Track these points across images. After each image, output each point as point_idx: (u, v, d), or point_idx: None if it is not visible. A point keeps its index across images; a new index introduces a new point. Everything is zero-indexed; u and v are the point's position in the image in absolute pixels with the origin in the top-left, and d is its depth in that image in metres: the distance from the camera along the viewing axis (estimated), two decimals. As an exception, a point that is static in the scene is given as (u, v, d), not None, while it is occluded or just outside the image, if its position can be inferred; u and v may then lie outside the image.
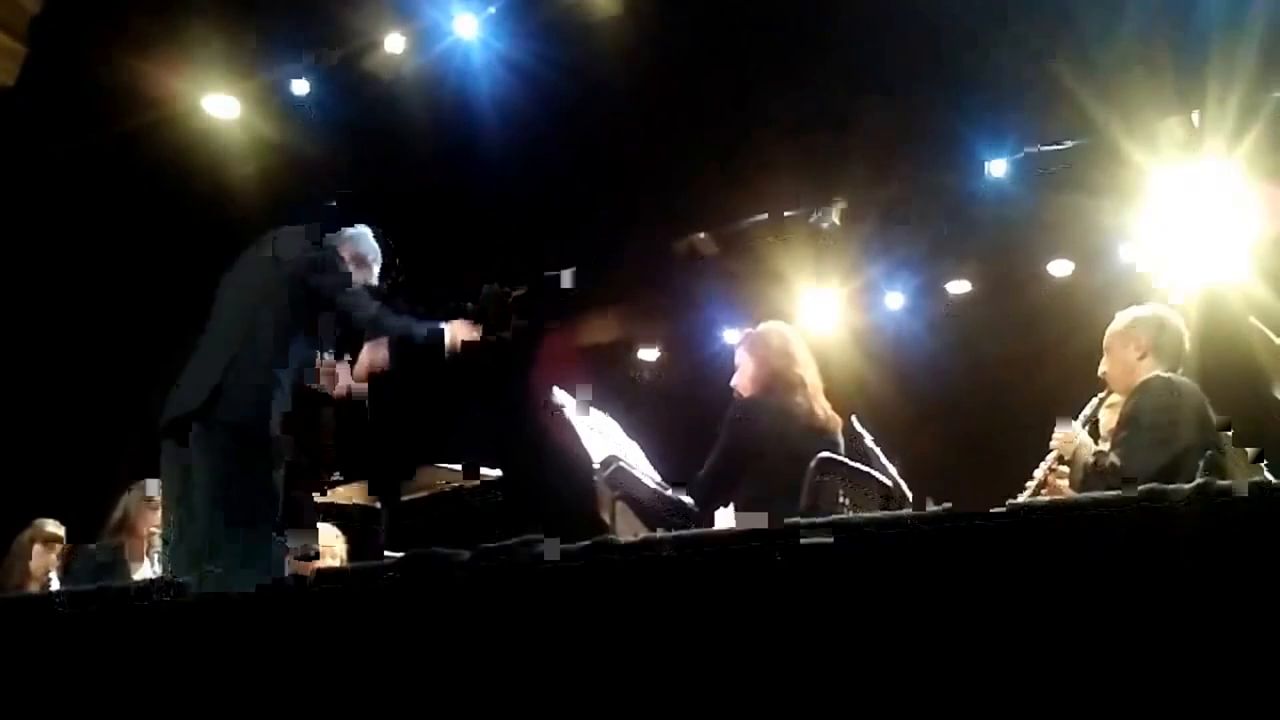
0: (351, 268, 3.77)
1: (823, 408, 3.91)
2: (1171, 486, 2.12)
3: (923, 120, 5.79)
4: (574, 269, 4.06)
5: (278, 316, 3.61)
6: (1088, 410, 3.70)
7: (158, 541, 4.42)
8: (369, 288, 3.79)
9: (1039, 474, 3.65)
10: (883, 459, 3.75)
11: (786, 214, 6.74)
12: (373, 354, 3.71)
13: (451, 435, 4.55)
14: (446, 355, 3.63)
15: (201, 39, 5.50)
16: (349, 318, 3.64)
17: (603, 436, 3.81)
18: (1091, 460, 3.44)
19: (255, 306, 3.63)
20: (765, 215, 6.79)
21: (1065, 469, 3.60)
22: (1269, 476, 3.24)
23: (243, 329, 3.59)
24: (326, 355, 3.78)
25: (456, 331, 3.65)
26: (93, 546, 4.63)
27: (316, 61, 5.74)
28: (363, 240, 3.89)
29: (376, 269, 3.91)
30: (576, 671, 2.16)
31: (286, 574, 3.18)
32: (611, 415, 3.97)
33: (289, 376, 3.60)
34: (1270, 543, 2.00)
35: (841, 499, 3.49)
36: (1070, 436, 3.59)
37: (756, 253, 6.87)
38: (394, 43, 5.67)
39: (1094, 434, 3.75)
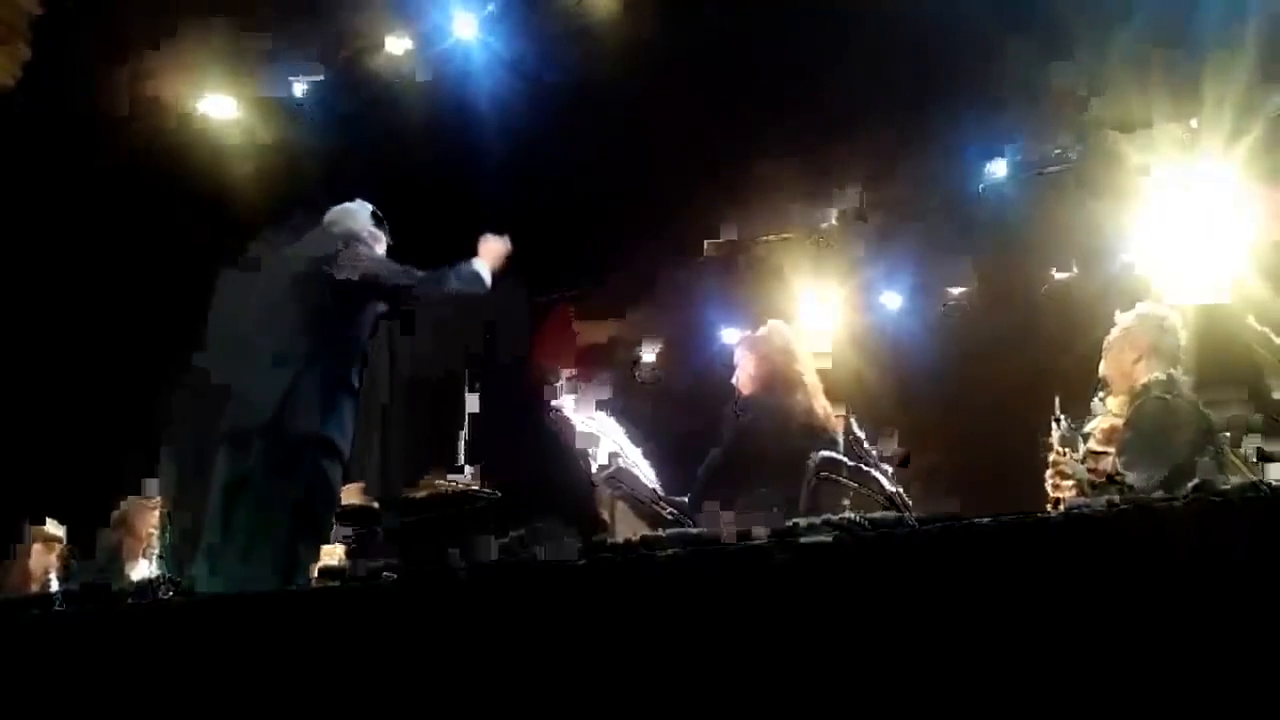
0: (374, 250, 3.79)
1: (822, 407, 3.91)
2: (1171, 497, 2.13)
3: (924, 122, 5.80)
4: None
5: (339, 327, 3.63)
6: (1094, 401, 3.72)
7: (156, 542, 4.43)
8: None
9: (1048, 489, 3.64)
10: (878, 461, 3.75)
11: (786, 214, 6.74)
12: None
13: (454, 437, 4.55)
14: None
15: (202, 39, 5.49)
16: (430, 298, 3.78)
17: (603, 436, 3.82)
18: (1089, 470, 3.45)
19: (314, 320, 3.62)
20: (766, 216, 6.79)
21: (1068, 483, 3.60)
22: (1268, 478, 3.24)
23: (306, 341, 3.58)
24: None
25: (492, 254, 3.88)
26: (93, 560, 4.61)
27: (317, 62, 5.74)
28: (361, 215, 3.89)
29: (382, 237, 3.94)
30: (576, 670, 2.17)
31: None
32: (611, 415, 3.97)
33: (354, 386, 3.63)
34: (1268, 543, 2.01)
35: (842, 499, 3.49)
36: (1063, 463, 3.57)
37: (756, 253, 6.87)
38: (394, 44, 5.67)
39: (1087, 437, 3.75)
